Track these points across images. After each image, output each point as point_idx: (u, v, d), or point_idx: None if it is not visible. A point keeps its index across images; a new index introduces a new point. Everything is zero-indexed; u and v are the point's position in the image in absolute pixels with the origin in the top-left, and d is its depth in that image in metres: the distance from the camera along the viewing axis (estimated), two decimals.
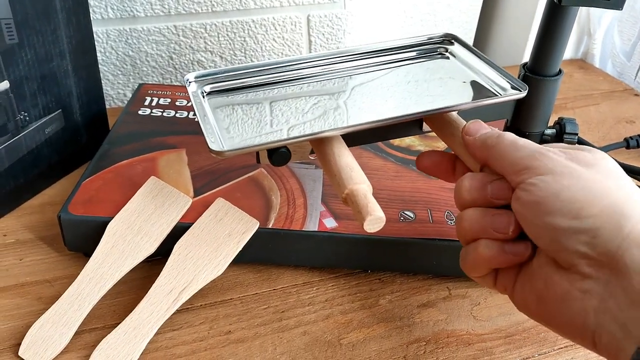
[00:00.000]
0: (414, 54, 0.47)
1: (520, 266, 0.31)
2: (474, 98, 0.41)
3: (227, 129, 0.38)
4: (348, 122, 0.39)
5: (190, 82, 0.42)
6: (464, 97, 0.41)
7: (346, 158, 0.35)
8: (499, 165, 0.31)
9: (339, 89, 0.43)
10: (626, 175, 0.28)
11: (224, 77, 0.43)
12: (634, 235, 0.25)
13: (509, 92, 0.40)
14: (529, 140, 0.30)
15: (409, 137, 0.50)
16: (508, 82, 0.41)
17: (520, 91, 0.39)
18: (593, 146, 0.56)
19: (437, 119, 0.39)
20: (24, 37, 0.42)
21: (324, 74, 0.45)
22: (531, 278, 0.29)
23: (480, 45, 0.87)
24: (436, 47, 0.47)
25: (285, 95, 0.42)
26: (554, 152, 0.29)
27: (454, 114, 0.38)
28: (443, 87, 0.43)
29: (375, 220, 0.31)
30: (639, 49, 0.77)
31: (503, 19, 0.83)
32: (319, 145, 0.37)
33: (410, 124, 0.40)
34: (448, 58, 0.46)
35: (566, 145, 0.31)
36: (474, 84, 0.43)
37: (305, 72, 0.45)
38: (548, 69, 0.42)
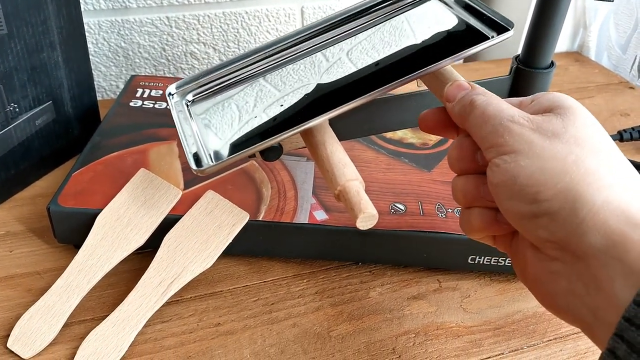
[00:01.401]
0: (398, 4, 0.43)
1: (514, 232, 0.30)
2: (463, 44, 0.37)
3: (215, 135, 0.37)
4: (338, 103, 0.36)
5: (172, 95, 0.41)
6: (452, 46, 0.37)
7: (339, 154, 0.34)
8: (475, 139, 0.30)
9: (324, 63, 0.41)
10: (600, 138, 0.27)
11: (206, 80, 0.41)
12: (589, 220, 0.24)
13: (495, 36, 0.37)
14: (501, 106, 0.29)
15: (401, 130, 0.50)
16: (493, 19, 0.38)
17: (509, 29, 0.36)
18: None
19: (429, 78, 0.37)
20: (13, 27, 0.42)
21: (309, 50, 0.43)
22: (518, 248, 0.29)
23: None
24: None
25: (271, 84, 0.41)
26: (519, 123, 0.27)
27: (445, 69, 0.35)
28: (432, 36, 0.39)
29: (367, 218, 0.31)
30: (634, 42, 0.76)
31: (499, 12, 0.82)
32: (311, 140, 0.37)
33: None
34: (430, 1, 0.43)
35: (552, 98, 0.29)
36: (463, 28, 0.39)
37: (289, 52, 0.43)
38: (540, 61, 0.42)
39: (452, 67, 0.36)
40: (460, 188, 0.31)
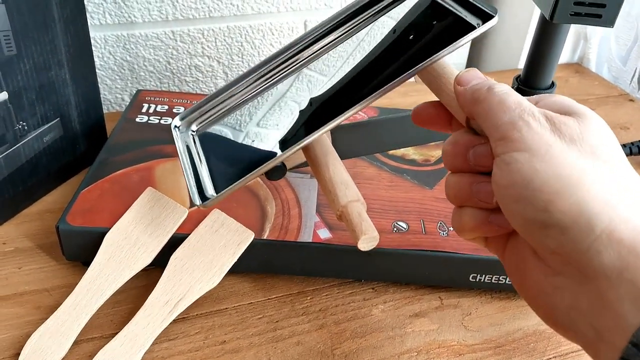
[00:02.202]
0: (385, 3, 0.42)
1: (509, 235, 0.29)
2: (452, 35, 0.35)
3: (218, 163, 0.37)
4: (335, 115, 0.35)
5: (176, 127, 0.41)
6: (441, 38, 0.36)
7: (341, 175, 0.35)
8: (483, 125, 0.28)
9: (314, 77, 0.41)
10: (614, 150, 0.26)
11: (208, 107, 0.41)
12: (603, 238, 0.23)
13: (480, 25, 0.34)
14: (521, 98, 0.27)
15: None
16: (478, 7, 0.36)
17: (493, 16, 0.34)
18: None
19: (423, 72, 0.36)
20: (22, 47, 0.43)
21: (296, 66, 0.43)
22: (515, 253, 0.28)
23: (476, 49, 0.87)
24: None
25: (272, 102, 0.41)
26: (539, 121, 0.26)
27: (438, 63, 0.35)
28: (418, 31, 0.38)
29: (369, 239, 0.31)
30: (634, 54, 0.77)
31: (500, 23, 0.83)
32: (313, 159, 0.37)
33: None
34: None
35: (561, 101, 0.28)
36: (448, 19, 0.37)
37: (281, 69, 0.42)
38: (540, 82, 0.43)
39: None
40: (452, 186, 0.30)
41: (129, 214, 0.42)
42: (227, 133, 0.40)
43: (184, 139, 0.40)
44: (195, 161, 0.38)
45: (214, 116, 0.41)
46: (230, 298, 0.42)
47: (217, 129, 0.41)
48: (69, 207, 0.43)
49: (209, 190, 0.35)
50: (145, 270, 0.40)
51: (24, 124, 0.45)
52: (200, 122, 0.41)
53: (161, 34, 0.63)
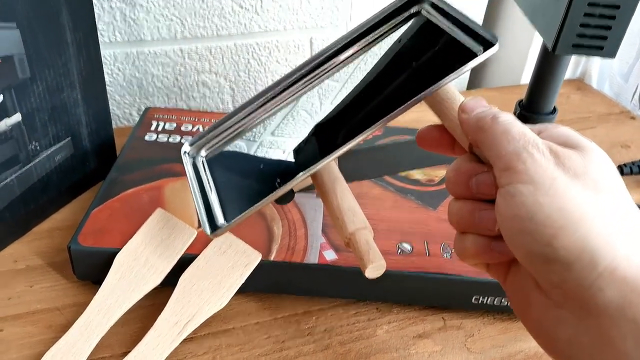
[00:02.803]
0: (389, 24, 0.42)
1: (511, 262, 0.29)
2: (454, 61, 0.35)
3: (227, 191, 0.38)
4: (342, 139, 0.36)
5: (186, 153, 0.42)
6: (445, 64, 0.36)
7: (349, 201, 0.36)
8: (487, 154, 0.28)
9: (316, 103, 0.42)
10: (616, 185, 0.26)
11: (216, 132, 0.42)
12: (606, 276, 0.23)
13: (482, 51, 0.35)
14: (525, 129, 0.27)
15: None
16: (479, 34, 0.36)
17: (494, 43, 0.34)
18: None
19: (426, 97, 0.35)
20: (36, 71, 0.44)
21: (307, 87, 0.43)
22: (518, 281, 0.28)
23: (479, 65, 0.88)
24: (409, 11, 0.42)
25: (277, 127, 0.42)
26: (543, 153, 0.26)
27: (441, 89, 0.34)
28: (425, 55, 0.38)
29: (376, 268, 0.32)
30: (636, 71, 0.78)
31: (502, 40, 0.84)
32: (320, 185, 0.38)
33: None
34: (421, 18, 0.41)
35: (564, 134, 0.28)
36: (452, 45, 0.37)
37: (291, 92, 0.43)
38: (542, 107, 0.44)
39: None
40: (455, 212, 0.30)
41: (139, 234, 0.43)
42: (234, 160, 0.41)
43: (193, 165, 0.41)
44: (205, 187, 0.39)
45: (223, 141, 0.42)
46: (237, 318, 0.43)
47: (227, 153, 0.41)
48: (80, 227, 0.43)
49: (219, 218, 0.36)
50: (154, 289, 0.41)
51: (37, 144, 0.46)
52: (210, 147, 0.42)
53: (170, 51, 0.64)
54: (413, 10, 0.42)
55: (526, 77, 0.82)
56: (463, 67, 0.34)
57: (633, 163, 0.61)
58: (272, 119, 0.43)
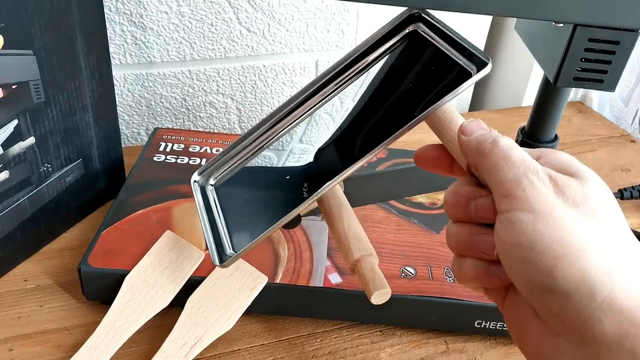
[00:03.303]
0: (386, 46, 0.42)
1: (509, 287, 0.29)
2: (450, 83, 0.35)
3: (236, 219, 0.39)
4: (344, 163, 0.36)
5: (195, 182, 0.42)
6: (441, 84, 0.36)
7: (355, 228, 0.37)
8: (487, 179, 0.28)
9: (316, 127, 0.42)
10: (615, 214, 0.26)
11: (224, 159, 0.42)
12: (604, 307, 0.23)
13: (476, 72, 0.34)
14: (525, 154, 0.27)
15: None
16: (472, 53, 0.35)
17: (487, 63, 0.33)
18: None
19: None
20: (50, 95, 0.45)
21: (310, 110, 0.43)
22: (515, 307, 0.28)
23: (481, 86, 0.89)
24: (405, 30, 0.42)
25: (282, 153, 0.43)
26: (543, 181, 0.26)
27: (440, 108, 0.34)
28: (422, 75, 0.38)
29: (381, 295, 0.33)
30: (636, 95, 0.79)
31: (503, 63, 0.85)
32: (326, 210, 0.39)
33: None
34: (417, 37, 0.41)
35: (563, 160, 0.28)
36: (447, 65, 0.37)
37: (294, 116, 0.43)
38: (544, 136, 0.45)
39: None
40: (453, 235, 0.30)
41: (148, 256, 0.43)
42: (243, 186, 0.41)
43: (203, 193, 0.42)
44: (215, 216, 0.39)
45: (231, 168, 0.43)
46: (243, 339, 0.44)
47: (235, 180, 0.42)
48: (90, 248, 0.44)
49: (227, 248, 0.37)
50: (161, 310, 0.42)
51: (49, 165, 0.47)
52: (218, 175, 0.42)
53: (178, 72, 0.66)
54: (409, 29, 0.42)
55: (527, 100, 0.83)
56: (458, 88, 0.34)
57: (633, 187, 0.62)
58: (278, 142, 0.44)
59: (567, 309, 0.24)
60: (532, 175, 0.26)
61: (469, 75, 0.34)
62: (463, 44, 0.36)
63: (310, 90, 0.43)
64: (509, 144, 0.28)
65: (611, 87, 0.38)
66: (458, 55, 0.36)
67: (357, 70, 0.43)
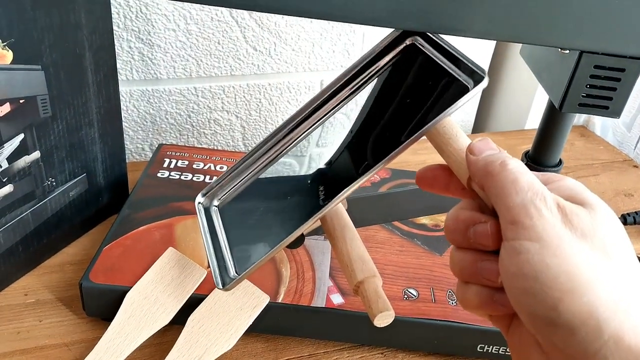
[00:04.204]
0: (383, 62, 0.42)
1: (513, 315, 0.28)
2: (449, 98, 0.35)
3: (240, 240, 0.38)
4: (345, 183, 0.36)
5: (200, 203, 0.42)
6: (439, 99, 0.36)
7: (358, 249, 0.36)
8: (494, 201, 0.27)
9: (325, 139, 0.42)
10: (624, 247, 0.26)
11: (229, 179, 0.42)
12: (611, 344, 0.23)
13: (472, 87, 0.34)
14: (534, 179, 0.27)
15: None
16: (469, 66, 0.35)
17: (483, 77, 0.33)
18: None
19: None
20: (57, 110, 0.45)
21: (312, 127, 0.43)
22: (519, 336, 0.28)
23: (484, 109, 0.90)
24: (404, 43, 0.41)
25: (279, 171, 0.42)
26: (550, 209, 0.25)
27: (441, 123, 0.34)
28: (420, 90, 0.38)
29: (384, 317, 0.33)
30: (639, 121, 0.79)
31: (507, 85, 0.86)
32: (330, 231, 0.39)
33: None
34: (415, 51, 0.41)
35: (572, 187, 0.27)
36: (445, 79, 0.37)
37: (294, 135, 0.43)
38: (548, 160, 0.45)
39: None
40: (457, 262, 0.29)
41: (150, 273, 0.43)
42: (246, 207, 0.41)
43: (207, 215, 0.41)
44: (219, 238, 0.39)
45: (234, 188, 0.42)
46: (244, 358, 0.43)
47: (239, 200, 0.42)
48: (92, 264, 0.44)
49: (231, 270, 0.36)
50: (162, 328, 0.42)
51: (53, 180, 0.47)
52: (222, 196, 0.42)
53: (184, 89, 0.66)
54: (407, 42, 0.41)
55: (531, 123, 0.83)
56: (455, 103, 0.33)
57: (637, 213, 0.62)
58: (282, 160, 0.44)
59: (572, 345, 0.24)
60: (539, 202, 0.25)
61: (466, 90, 0.34)
62: (460, 58, 0.36)
63: (310, 109, 0.43)
64: (518, 166, 0.27)
65: (616, 114, 0.38)
66: (455, 70, 0.36)
67: (355, 87, 0.42)
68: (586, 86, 0.37)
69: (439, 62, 0.38)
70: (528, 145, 0.49)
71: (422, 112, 0.36)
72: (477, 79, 0.34)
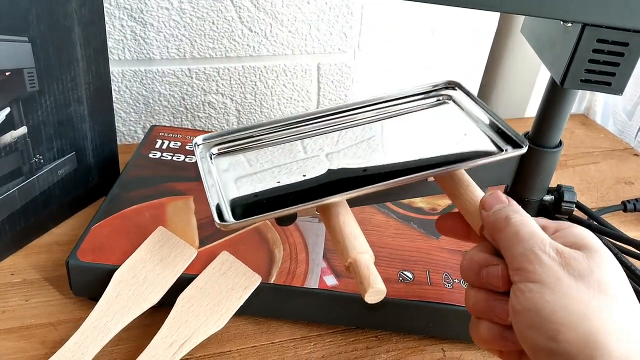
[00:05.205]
0: (417, 102, 0.46)
1: (522, 352, 0.31)
2: (476, 153, 0.39)
3: (236, 194, 0.38)
4: (355, 186, 0.38)
5: (198, 145, 0.42)
6: (466, 150, 0.40)
7: (351, 226, 0.36)
8: (502, 253, 0.31)
9: (342, 144, 0.43)
10: (620, 286, 0.28)
11: (231, 137, 0.42)
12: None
13: (509, 150, 0.39)
14: (534, 229, 0.30)
15: None
16: (509, 135, 0.40)
17: (522, 147, 0.38)
18: (599, 225, 0.53)
19: (441, 175, 0.39)
20: (44, 84, 0.44)
21: (329, 129, 0.44)
22: None
23: (484, 96, 0.89)
24: (439, 95, 0.46)
25: (291, 153, 0.43)
26: (549, 255, 0.29)
27: (458, 171, 0.38)
28: (446, 138, 0.42)
29: (376, 293, 0.32)
30: None
31: (507, 73, 0.85)
32: (324, 209, 0.38)
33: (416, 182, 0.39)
34: (449, 104, 0.45)
35: (577, 234, 0.31)
36: (476, 137, 0.41)
37: (310, 127, 0.44)
38: (548, 141, 0.44)
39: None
40: (471, 298, 0.32)
41: (139, 252, 0.42)
42: (249, 166, 0.41)
43: (203, 158, 0.41)
44: (215, 182, 0.38)
45: (237, 146, 0.42)
46: (234, 340, 0.42)
47: (239, 159, 0.41)
48: (79, 242, 0.43)
49: (226, 215, 0.36)
50: (151, 308, 0.41)
51: (41, 157, 0.46)
52: (221, 148, 0.42)
53: (178, 70, 0.65)
54: (445, 92, 0.46)
55: (531, 110, 0.82)
56: (485, 158, 0.38)
57: (637, 200, 0.61)
58: (295, 143, 0.43)
59: None
60: (538, 249, 0.29)
61: (500, 150, 0.39)
62: (500, 124, 0.41)
63: (342, 109, 0.45)
64: (520, 220, 0.31)
65: (619, 91, 0.37)
66: (490, 131, 0.41)
67: (384, 113, 0.45)
68: (588, 61, 0.36)
69: (474, 120, 0.42)
70: (528, 130, 0.48)
71: (450, 155, 0.39)
72: (516, 145, 0.39)
